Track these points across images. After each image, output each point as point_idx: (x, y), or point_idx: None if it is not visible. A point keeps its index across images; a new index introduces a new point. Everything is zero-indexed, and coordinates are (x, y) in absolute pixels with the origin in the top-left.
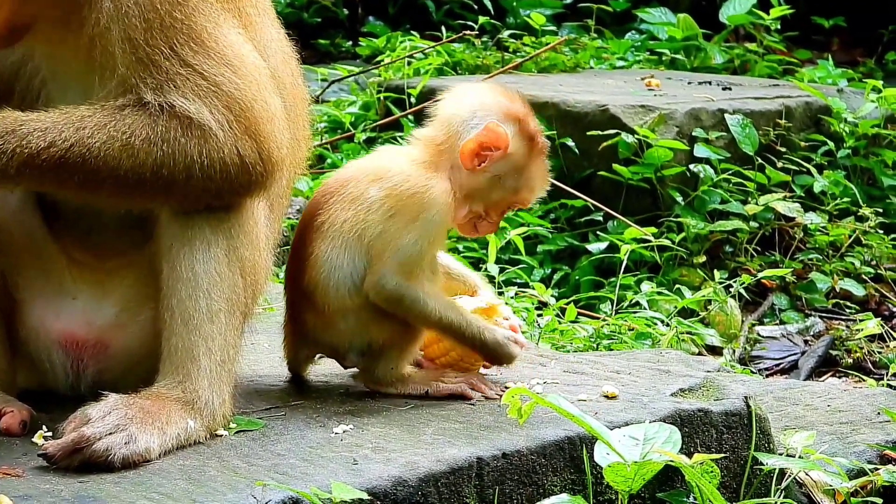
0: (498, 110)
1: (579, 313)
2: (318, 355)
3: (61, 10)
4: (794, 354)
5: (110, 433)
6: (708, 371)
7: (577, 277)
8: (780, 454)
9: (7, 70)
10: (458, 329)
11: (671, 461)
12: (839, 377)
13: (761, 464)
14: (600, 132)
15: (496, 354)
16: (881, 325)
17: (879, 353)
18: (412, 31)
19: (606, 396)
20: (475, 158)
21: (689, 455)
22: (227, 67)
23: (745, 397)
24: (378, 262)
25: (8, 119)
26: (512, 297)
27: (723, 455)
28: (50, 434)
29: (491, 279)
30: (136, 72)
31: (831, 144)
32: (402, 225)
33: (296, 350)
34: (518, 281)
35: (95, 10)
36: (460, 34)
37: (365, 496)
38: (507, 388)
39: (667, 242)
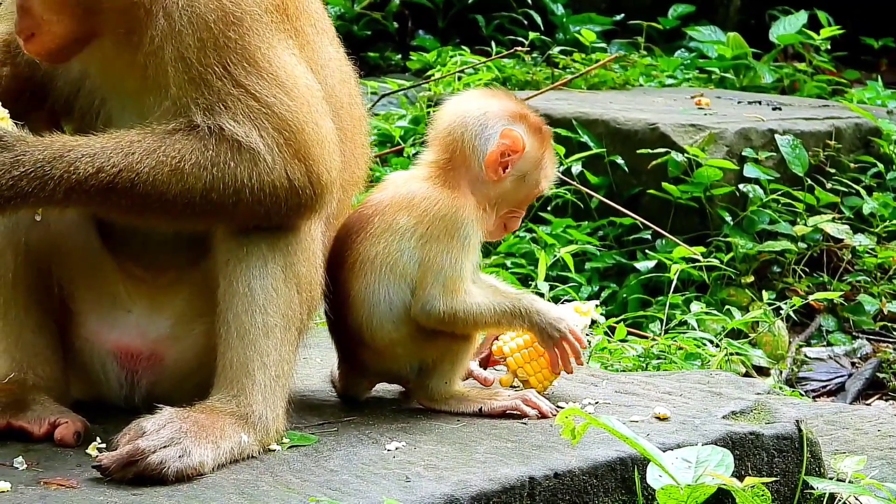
0: (503, 114)
1: (628, 332)
2: (377, 384)
3: (122, 27)
4: (841, 376)
5: (164, 446)
6: (758, 393)
7: (624, 295)
8: (831, 478)
9: (67, 88)
10: (511, 311)
11: (724, 485)
12: (886, 400)
13: (812, 488)
14: (650, 150)
15: (549, 323)
16: None
17: None
18: (462, 46)
19: (658, 418)
20: (499, 167)
21: (741, 478)
22: (279, 89)
23: (797, 421)
24: (421, 290)
25: (56, 144)
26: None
27: (774, 479)
28: (104, 446)
29: (540, 296)
30: (188, 91)
31: (881, 166)
32: (440, 249)
33: (354, 383)
34: (567, 298)
35: (151, 29)
36: (512, 50)
37: None
38: (559, 406)
39: (715, 262)
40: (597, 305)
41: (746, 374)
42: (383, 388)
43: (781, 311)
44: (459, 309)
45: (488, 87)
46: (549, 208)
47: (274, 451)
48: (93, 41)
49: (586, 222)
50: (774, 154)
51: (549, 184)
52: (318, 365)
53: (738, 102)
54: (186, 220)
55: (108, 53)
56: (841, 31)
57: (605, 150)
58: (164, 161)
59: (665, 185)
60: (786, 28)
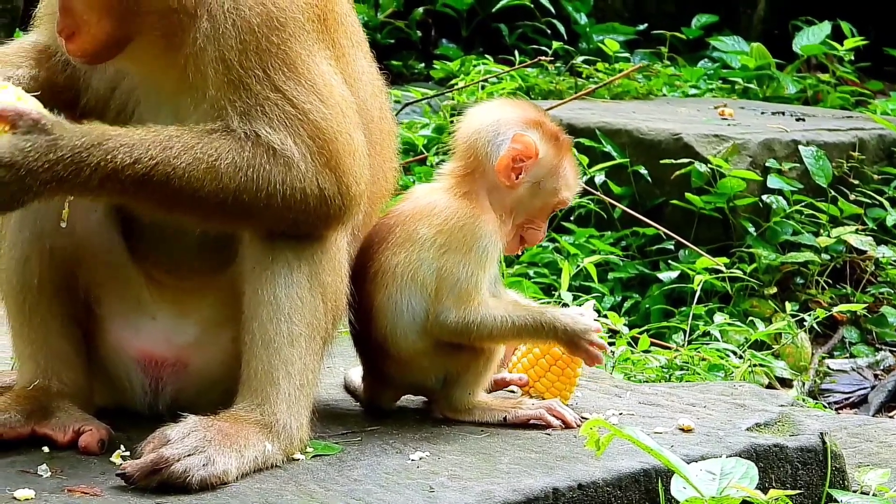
0: (516, 121)
1: (651, 343)
2: (403, 395)
3: (162, 30)
4: (864, 388)
5: (189, 455)
6: (782, 405)
7: (647, 306)
8: (855, 491)
9: (103, 86)
10: (533, 325)
11: (748, 497)
12: None
13: (836, 501)
14: (673, 160)
15: (576, 334)
16: None
17: None
18: (485, 55)
19: (682, 429)
20: (511, 172)
21: (765, 491)
22: (316, 96)
23: (821, 434)
24: (436, 301)
25: (95, 132)
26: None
27: (798, 491)
28: (128, 454)
29: (564, 307)
30: (226, 94)
31: None
32: (456, 260)
33: (379, 394)
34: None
35: (194, 30)
36: (535, 59)
37: None
38: (584, 417)
39: (738, 273)
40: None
41: (769, 386)
42: (407, 398)
43: (805, 323)
44: (472, 320)
45: (510, 97)
46: (571, 218)
47: (298, 460)
48: (132, 42)
49: (609, 232)
50: (798, 165)
51: (570, 194)
52: (341, 374)
53: (762, 113)
54: (216, 219)
55: (147, 54)
56: (864, 42)
57: (628, 160)
58: (201, 158)
59: (688, 195)
60: (809, 39)
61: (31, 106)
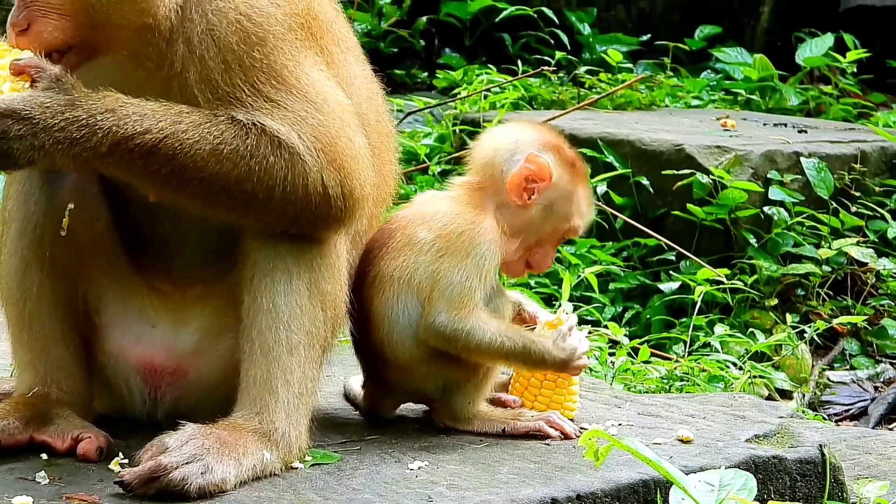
0: (534, 142)
1: (651, 354)
2: (403, 403)
3: (134, 49)
4: (864, 400)
5: (187, 462)
6: (781, 417)
7: (648, 316)
8: (853, 503)
9: None
10: (522, 352)
11: None
12: None
13: None
14: (675, 171)
15: (566, 361)
16: None
17: None
18: (488, 64)
19: (681, 440)
20: (523, 192)
21: (763, 502)
22: (309, 104)
23: (820, 445)
24: (428, 305)
25: (109, 98)
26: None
27: (797, 503)
28: (126, 461)
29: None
30: (220, 108)
31: None
32: (453, 263)
33: (379, 401)
34: (590, 318)
35: (171, 54)
36: (538, 69)
37: None
38: (583, 428)
39: (739, 284)
40: (572, 310)
41: (769, 397)
42: (406, 407)
43: (805, 335)
44: (461, 327)
45: (530, 121)
46: None
47: (296, 468)
48: (97, 58)
49: (611, 243)
50: (800, 177)
51: (581, 222)
52: (341, 382)
53: (764, 124)
54: (219, 206)
55: (123, 72)
56: (867, 55)
57: (630, 170)
58: (207, 138)
59: (690, 206)
60: (812, 50)
61: None
